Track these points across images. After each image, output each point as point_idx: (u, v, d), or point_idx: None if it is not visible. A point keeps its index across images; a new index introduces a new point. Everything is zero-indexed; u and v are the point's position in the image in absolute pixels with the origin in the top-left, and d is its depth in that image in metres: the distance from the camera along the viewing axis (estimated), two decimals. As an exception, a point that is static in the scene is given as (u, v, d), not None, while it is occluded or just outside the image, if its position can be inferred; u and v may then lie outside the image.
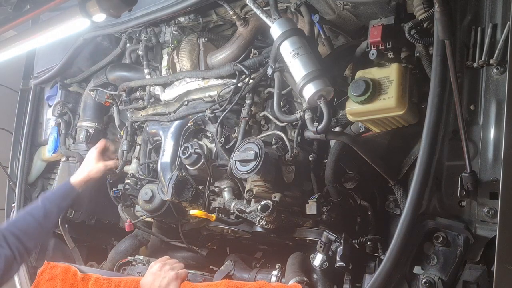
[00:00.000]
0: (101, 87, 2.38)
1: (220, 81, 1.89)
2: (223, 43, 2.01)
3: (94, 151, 2.19)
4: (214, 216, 1.71)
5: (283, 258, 1.72)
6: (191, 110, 1.94)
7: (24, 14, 1.75)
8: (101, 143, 2.24)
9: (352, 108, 1.39)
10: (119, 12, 1.49)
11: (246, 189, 1.69)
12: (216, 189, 1.84)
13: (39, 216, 1.89)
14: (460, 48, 1.26)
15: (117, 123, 2.35)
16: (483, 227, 1.19)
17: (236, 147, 1.68)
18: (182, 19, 1.97)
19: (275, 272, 1.66)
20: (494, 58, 1.19)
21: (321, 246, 1.52)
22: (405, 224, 1.22)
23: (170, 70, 2.10)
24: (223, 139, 1.78)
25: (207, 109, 1.83)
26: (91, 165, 2.14)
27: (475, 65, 1.23)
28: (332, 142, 1.66)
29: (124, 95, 2.23)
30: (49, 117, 2.68)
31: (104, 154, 2.24)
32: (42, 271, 1.96)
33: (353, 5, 1.45)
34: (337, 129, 1.57)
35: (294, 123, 1.66)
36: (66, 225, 2.31)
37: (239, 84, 1.80)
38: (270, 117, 1.74)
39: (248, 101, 1.78)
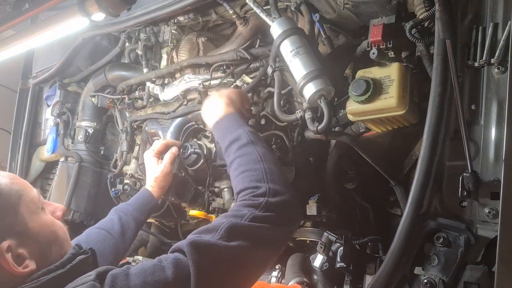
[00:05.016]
0: (100, 89, 2.37)
1: (220, 81, 1.88)
2: (223, 42, 2.00)
3: (150, 155, 1.78)
4: (213, 216, 1.70)
5: (283, 258, 1.71)
6: (190, 109, 1.94)
7: (23, 13, 1.75)
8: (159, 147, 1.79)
9: (353, 107, 1.39)
10: (118, 11, 1.49)
11: (246, 189, 1.68)
12: (216, 189, 1.84)
13: (116, 232, 1.50)
14: (461, 47, 1.25)
15: (120, 126, 2.35)
16: (484, 228, 1.19)
17: (235, 147, 1.67)
18: (181, 18, 1.97)
19: (275, 273, 1.66)
20: (495, 58, 1.19)
21: (321, 247, 1.52)
22: (405, 225, 1.22)
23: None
24: None
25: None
26: (155, 172, 1.74)
27: (476, 64, 1.22)
28: (333, 142, 1.65)
29: (127, 98, 2.21)
30: (48, 117, 2.68)
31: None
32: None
33: (354, 4, 1.44)
34: (337, 129, 1.56)
35: (294, 123, 1.65)
36: (65, 226, 2.30)
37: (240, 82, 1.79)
38: (270, 117, 1.73)
39: (248, 101, 1.77)
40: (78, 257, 1.04)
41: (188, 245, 1.03)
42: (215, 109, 1.48)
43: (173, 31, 2.05)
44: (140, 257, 2.05)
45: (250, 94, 1.77)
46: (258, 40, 1.80)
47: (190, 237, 1.08)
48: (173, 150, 1.77)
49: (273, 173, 1.27)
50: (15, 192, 1.02)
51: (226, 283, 1.04)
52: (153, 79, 2.09)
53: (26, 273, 0.97)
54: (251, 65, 1.77)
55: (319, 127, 1.38)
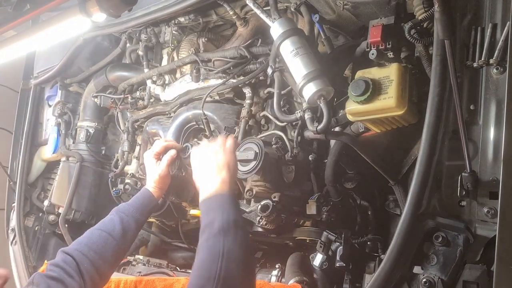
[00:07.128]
0: (101, 90, 2.38)
1: (220, 81, 1.89)
2: (223, 43, 2.01)
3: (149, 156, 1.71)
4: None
5: (283, 258, 1.72)
6: (191, 110, 1.94)
7: (24, 14, 1.76)
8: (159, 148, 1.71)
9: (352, 108, 1.39)
10: (119, 12, 1.50)
11: (246, 189, 1.69)
12: (216, 189, 1.84)
13: (117, 234, 1.45)
14: (460, 47, 1.26)
15: (122, 127, 2.36)
16: (483, 227, 1.19)
17: (236, 147, 1.67)
18: (182, 19, 1.97)
19: (275, 272, 1.67)
20: (494, 58, 1.19)
21: (321, 246, 1.52)
22: (405, 224, 1.22)
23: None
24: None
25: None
26: (154, 173, 1.68)
27: (475, 65, 1.23)
28: (332, 142, 1.66)
29: (130, 98, 2.22)
30: (49, 117, 2.69)
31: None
32: (42, 270, 1.96)
33: (353, 5, 1.45)
34: (337, 129, 1.57)
35: (294, 123, 1.66)
36: (66, 225, 2.31)
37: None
38: (270, 117, 1.74)
39: (248, 101, 1.78)
40: None
41: None
42: (209, 181, 1.32)
43: (173, 31, 2.06)
44: (140, 257, 2.06)
45: (250, 94, 1.78)
46: (260, 39, 1.82)
47: None
48: (172, 153, 1.77)
49: (229, 272, 1.12)
50: None
51: None
52: (154, 78, 2.09)
53: None
54: (250, 65, 1.78)
55: (319, 127, 1.39)
